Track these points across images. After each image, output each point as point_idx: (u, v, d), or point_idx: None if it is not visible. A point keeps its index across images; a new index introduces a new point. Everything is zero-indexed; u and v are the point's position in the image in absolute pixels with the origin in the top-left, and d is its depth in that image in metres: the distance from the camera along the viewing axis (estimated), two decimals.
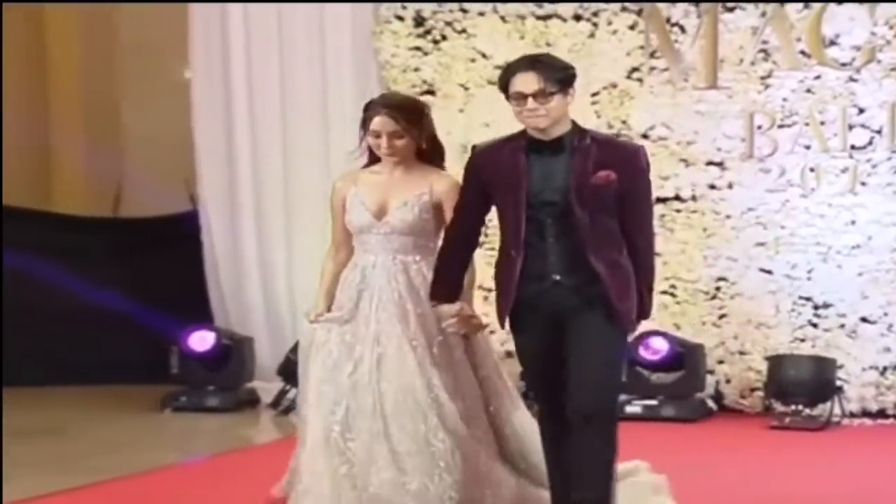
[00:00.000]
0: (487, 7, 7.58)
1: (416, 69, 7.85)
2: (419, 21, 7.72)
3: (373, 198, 4.59)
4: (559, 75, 4.21)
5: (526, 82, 4.20)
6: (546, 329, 4.30)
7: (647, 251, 4.36)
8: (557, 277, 4.26)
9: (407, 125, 4.50)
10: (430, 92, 7.83)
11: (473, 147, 4.48)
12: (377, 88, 7.84)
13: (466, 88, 7.86)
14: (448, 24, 7.67)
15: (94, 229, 10.14)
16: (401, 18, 7.76)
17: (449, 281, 4.46)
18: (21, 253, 9.24)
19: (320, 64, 8.30)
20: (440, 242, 4.65)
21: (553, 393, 4.34)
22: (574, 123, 4.30)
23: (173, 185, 9.53)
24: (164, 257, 9.33)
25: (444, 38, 7.69)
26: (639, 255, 4.33)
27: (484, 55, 7.62)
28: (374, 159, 4.66)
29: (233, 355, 8.44)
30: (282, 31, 8.29)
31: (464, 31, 7.64)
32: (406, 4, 7.78)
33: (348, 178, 4.72)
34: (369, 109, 4.58)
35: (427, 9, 7.68)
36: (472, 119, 7.79)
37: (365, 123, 4.58)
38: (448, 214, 4.55)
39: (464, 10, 7.64)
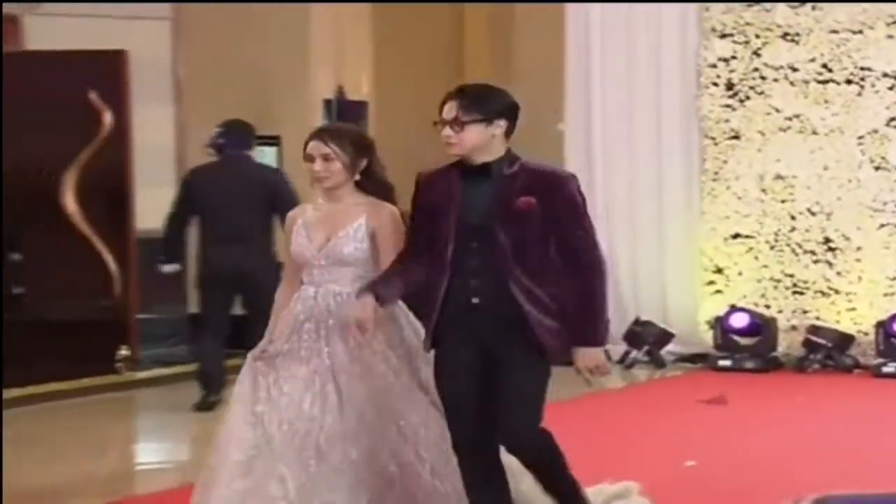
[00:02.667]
0: (780, 75, 9.12)
1: (727, 120, 9.40)
2: (729, 86, 9.34)
3: (316, 230, 4.27)
4: (481, 106, 3.96)
5: (447, 109, 4.00)
6: (466, 350, 4.01)
7: (588, 274, 4.00)
8: (476, 300, 3.99)
9: (337, 149, 4.19)
10: (736, 137, 9.33)
11: (418, 175, 4.21)
12: (698, 137, 9.49)
13: (763, 134, 9.31)
14: (751, 87, 9.27)
15: None
16: (716, 84, 9.36)
17: (383, 285, 4.08)
18: None
19: (656, 120, 9.78)
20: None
21: (467, 423, 4.00)
22: (508, 152, 4.03)
23: None
24: None
25: (747, 97, 9.30)
26: (582, 278, 3.99)
27: (777, 110, 9.22)
28: None
29: None
30: (630, 97, 9.86)
31: (762, 92, 9.23)
32: (720, 73, 9.28)
33: (298, 212, 4.43)
34: (307, 139, 4.28)
35: (735, 77, 9.23)
36: (767, 157, 9.32)
37: (304, 151, 4.28)
38: (383, 244, 4.22)
39: (763, 77, 9.18)
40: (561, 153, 10.00)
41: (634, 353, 9.71)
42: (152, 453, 7.66)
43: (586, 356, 4.01)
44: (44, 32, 9.77)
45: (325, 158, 4.20)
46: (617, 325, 9.55)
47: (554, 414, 4.27)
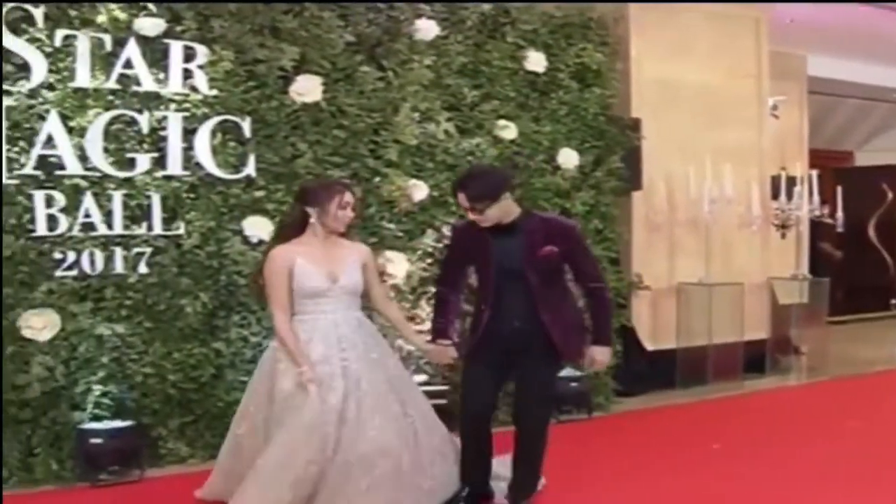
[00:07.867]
0: None
1: None
2: None
3: (319, 265, 4.77)
4: (485, 193, 4.61)
5: (461, 199, 4.68)
6: (500, 361, 4.80)
7: (599, 293, 4.77)
8: (517, 324, 4.73)
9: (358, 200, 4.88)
10: None
11: (453, 226, 5.22)
12: None
13: None
14: None
15: None
16: None
17: (443, 325, 4.92)
18: None
19: None
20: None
21: (482, 407, 4.80)
22: (523, 209, 4.75)
23: None
24: None
25: None
26: (594, 297, 4.77)
27: None
28: (296, 233, 4.85)
29: None
30: None
31: None
32: None
33: (288, 251, 4.81)
34: (336, 188, 4.87)
35: None
36: None
37: (331, 199, 4.80)
38: (371, 275, 4.95)
39: None
40: None
41: None
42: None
43: (600, 352, 4.88)
44: (869, 159, 16.37)
45: (354, 208, 4.88)
46: None
47: None
